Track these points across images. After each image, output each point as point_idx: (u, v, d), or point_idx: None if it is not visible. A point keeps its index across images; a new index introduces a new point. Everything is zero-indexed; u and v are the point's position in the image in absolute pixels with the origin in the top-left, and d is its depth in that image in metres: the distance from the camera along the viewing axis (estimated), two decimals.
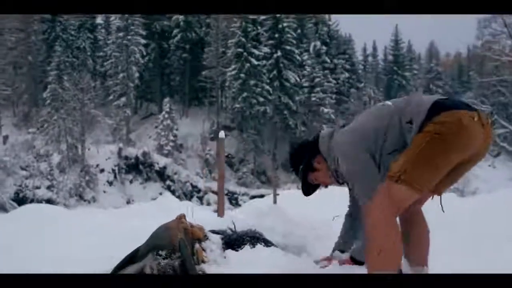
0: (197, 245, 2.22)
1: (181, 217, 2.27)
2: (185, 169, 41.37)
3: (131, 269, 2.02)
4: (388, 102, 2.67)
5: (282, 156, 44.90)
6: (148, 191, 37.22)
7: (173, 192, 33.09)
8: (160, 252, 2.11)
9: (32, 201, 31.21)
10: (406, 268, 2.68)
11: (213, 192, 37.98)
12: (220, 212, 4.23)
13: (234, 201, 34.61)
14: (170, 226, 2.23)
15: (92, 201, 35.45)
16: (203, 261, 2.18)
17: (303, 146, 2.94)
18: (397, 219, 2.49)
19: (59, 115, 39.21)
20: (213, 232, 2.46)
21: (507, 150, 40.78)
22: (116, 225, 4.83)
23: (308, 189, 2.92)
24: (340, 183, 2.84)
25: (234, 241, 2.42)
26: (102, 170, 38.09)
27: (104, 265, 2.48)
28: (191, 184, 39.47)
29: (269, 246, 2.48)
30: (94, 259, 2.80)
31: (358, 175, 2.56)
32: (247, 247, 2.34)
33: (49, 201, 29.07)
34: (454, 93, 52.63)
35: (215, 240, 2.37)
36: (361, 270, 2.54)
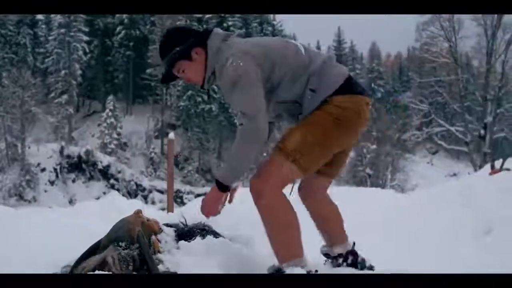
0: (153, 237, 2.42)
1: (138, 212, 2.47)
2: (129, 167, 40.96)
3: (94, 260, 2.20)
4: (301, 49, 2.51)
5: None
6: (91, 190, 36.66)
7: (117, 191, 32.73)
8: (120, 243, 2.30)
9: None
10: (328, 249, 2.74)
11: (158, 190, 37.82)
12: (169, 208, 4.42)
13: (179, 199, 34.50)
14: (128, 220, 2.43)
15: (32, 201, 34.61)
16: (159, 251, 2.38)
17: (188, 30, 2.61)
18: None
19: None
20: (167, 225, 2.66)
21: (444, 148, 42.34)
22: (66, 224, 4.90)
23: (169, 78, 2.62)
24: (204, 88, 2.59)
25: (186, 233, 2.61)
26: (43, 169, 37.23)
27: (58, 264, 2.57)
28: (136, 183, 39.12)
29: (218, 237, 2.69)
30: (49, 259, 2.82)
31: (243, 106, 2.33)
32: (198, 238, 2.55)
33: None
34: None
35: (169, 233, 2.57)
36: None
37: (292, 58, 2.45)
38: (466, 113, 35.78)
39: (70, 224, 4.96)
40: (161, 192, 36.41)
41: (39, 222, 5.47)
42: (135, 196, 34.95)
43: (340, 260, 2.75)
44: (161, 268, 2.25)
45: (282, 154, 2.33)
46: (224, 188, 2.36)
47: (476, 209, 5.87)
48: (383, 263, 2.85)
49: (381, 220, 6.22)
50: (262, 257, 2.61)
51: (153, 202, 34.19)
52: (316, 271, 2.37)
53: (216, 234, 2.69)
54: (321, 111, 2.37)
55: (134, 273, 2.25)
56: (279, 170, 2.32)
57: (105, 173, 38.42)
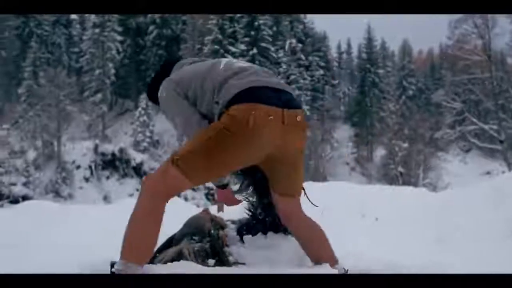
0: (221, 232, 2.66)
1: (207, 210, 2.74)
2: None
3: (171, 251, 2.44)
4: (220, 64, 2.55)
5: None
6: (125, 187, 37.24)
7: None
8: (193, 237, 2.55)
9: (8, 197, 31.16)
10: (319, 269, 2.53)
11: (192, 188, 38.12)
12: (220, 208, 4.60)
13: (211, 196, 34.86)
14: (200, 216, 2.72)
15: (68, 198, 35.35)
16: (227, 245, 2.61)
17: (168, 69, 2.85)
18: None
19: (34, 111, 39.03)
20: (231, 222, 2.89)
21: (477, 146, 41.79)
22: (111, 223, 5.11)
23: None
24: None
25: (249, 228, 2.83)
26: (78, 167, 37.98)
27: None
28: None
29: (278, 232, 2.86)
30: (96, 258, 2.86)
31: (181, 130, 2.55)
32: (260, 234, 2.75)
33: (25, 198, 28.96)
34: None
35: (234, 228, 2.81)
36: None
37: (203, 76, 2.50)
38: (500, 111, 35.35)
39: (113, 223, 5.22)
40: (193, 189, 36.76)
41: (87, 220, 5.75)
42: None
43: None
44: (230, 259, 2.49)
45: (170, 158, 2.32)
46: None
47: (510, 209, 5.82)
48: (414, 262, 2.88)
49: (413, 219, 6.26)
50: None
51: (185, 199, 34.60)
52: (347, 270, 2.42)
53: (277, 228, 2.82)
54: (216, 122, 2.36)
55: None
56: (164, 174, 2.30)
57: (138, 171, 38.98)
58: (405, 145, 36.14)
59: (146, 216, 2.24)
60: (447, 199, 7.43)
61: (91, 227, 5.58)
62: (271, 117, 2.27)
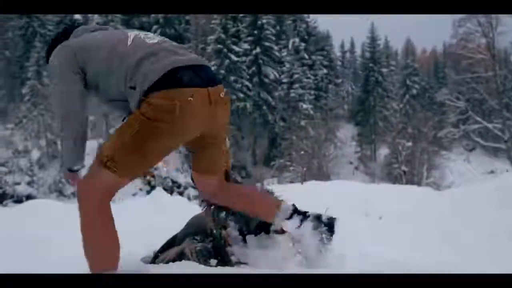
0: (223, 231, 2.66)
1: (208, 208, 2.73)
2: (165, 164, 41.42)
3: (173, 251, 2.44)
4: (129, 40, 2.33)
5: (262, 152, 45.37)
6: (127, 187, 36.73)
7: (153, 188, 33.16)
8: (196, 237, 2.55)
9: (12, 197, 31.21)
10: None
11: (194, 187, 38.14)
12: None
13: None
14: (202, 216, 2.71)
15: (72, 197, 35.35)
16: (229, 244, 2.61)
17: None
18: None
19: (38, 110, 39.09)
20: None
21: (481, 145, 41.73)
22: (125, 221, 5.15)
23: None
24: None
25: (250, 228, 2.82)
26: (82, 166, 37.96)
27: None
28: (171, 180, 39.56)
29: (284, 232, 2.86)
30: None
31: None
32: (262, 233, 2.75)
33: (29, 197, 29.01)
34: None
35: (236, 228, 2.80)
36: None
37: (108, 50, 2.29)
38: (504, 110, 35.26)
39: (123, 221, 5.23)
40: (196, 188, 36.71)
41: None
42: (171, 192, 35.34)
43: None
44: (233, 259, 2.49)
45: (98, 160, 2.24)
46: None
47: None
48: (418, 261, 2.90)
49: (417, 218, 6.25)
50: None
51: (189, 198, 34.53)
52: None
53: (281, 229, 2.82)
54: (136, 112, 2.19)
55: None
56: (96, 178, 2.23)
57: None
58: (409, 144, 36.02)
59: (94, 223, 2.19)
60: (451, 198, 7.42)
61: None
62: (197, 99, 2.17)
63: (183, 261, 2.34)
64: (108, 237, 2.20)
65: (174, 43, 2.42)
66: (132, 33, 2.39)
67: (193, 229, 2.64)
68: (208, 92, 2.21)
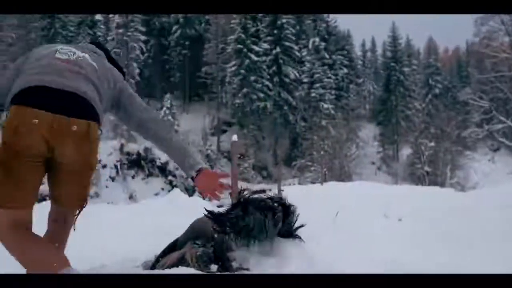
0: (226, 236, 2.55)
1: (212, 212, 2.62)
2: None
3: (173, 256, 2.34)
4: (33, 56, 2.31)
5: (283, 152, 45.26)
6: (150, 186, 37.37)
7: (174, 187, 33.30)
8: (197, 241, 2.45)
9: None
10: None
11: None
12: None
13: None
14: (204, 220, 2.59)
15: (95, 196, 35.63)
16: (231, 250, 2.51)
17: None
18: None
19: None
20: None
21: (506, 145, 41.06)
22: (138, 222, 5.09)
23: None
24: None
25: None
26: (104, 166, 38.20)
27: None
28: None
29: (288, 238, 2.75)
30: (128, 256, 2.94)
31: None
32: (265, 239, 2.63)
33: None
34: None
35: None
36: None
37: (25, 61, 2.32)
38: None
39: (137, 221, 5.17)
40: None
41: (114, 220, 5.69)
42: (193, 192, 35.46)
43: None
44: (234, 265, 2.36)
45: None
46: None
47: None
48: (440, 263, 2.82)
49: (440, 220, 6.12)
50: (323, 256, 2.62)
51: (209, 199, 34.55)
52: None
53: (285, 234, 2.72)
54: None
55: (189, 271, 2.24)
56: None
57: (163, 170, 39.09)
58: (432, 144, 35.68)
59: (15, 250, 2.13)
60: (476, 199, 7.27)
61: (118, 225, 5.55)
62: (35, 121, 2.05)
63: (183, 267, 2.23)
64: (35, 256, 2.13)
65: (89, 61, 2.35)
66: (52, 50, 2.34)
67: (195, 233, 2.54)
68: (53, 119, 2.08)
